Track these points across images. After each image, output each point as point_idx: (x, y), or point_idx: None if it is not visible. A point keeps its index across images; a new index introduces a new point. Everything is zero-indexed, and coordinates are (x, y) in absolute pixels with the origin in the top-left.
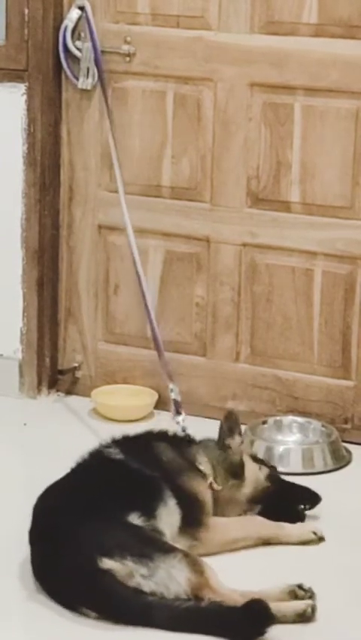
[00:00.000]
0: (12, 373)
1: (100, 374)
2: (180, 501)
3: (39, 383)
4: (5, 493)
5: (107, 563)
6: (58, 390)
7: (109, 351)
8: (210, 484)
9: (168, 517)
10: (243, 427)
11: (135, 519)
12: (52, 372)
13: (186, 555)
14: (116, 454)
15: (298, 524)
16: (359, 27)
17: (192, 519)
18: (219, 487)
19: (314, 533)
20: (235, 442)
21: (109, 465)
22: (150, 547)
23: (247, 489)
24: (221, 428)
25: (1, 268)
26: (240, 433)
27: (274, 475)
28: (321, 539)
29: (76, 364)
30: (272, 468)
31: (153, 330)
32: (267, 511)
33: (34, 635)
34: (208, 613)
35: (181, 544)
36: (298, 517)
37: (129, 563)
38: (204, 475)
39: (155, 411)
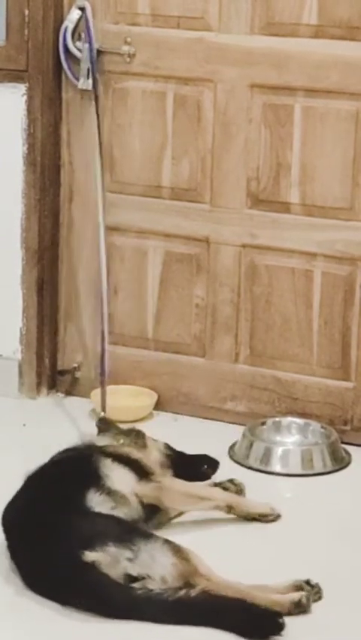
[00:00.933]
0: (11, 374)
1: (100, 375)
2: (122, 461)
3: (38, 383)
4: (4, 493)
5: (89, 556)
6: (57, 391)
7: (109, 351)
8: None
9: (121, 477)
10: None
11: (95, 497)
12: (51, 372)
13: (167, 541)
14: (52, 459)
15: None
16: (359, 28)
17: (144, 470)
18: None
19: (272, 509)
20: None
21: (51, 468)
22: (129, 532)
23: (153, 454)
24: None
25: (1, 268)
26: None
27: (170, 447)
28: (278, 517)
29: (75, 365)
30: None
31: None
32: (176, 476)
33: (24, 630)
34: (204, 605)
35: (146, 490)
36: (204, 477)
37: (112, 549)
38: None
39: (154, 412)
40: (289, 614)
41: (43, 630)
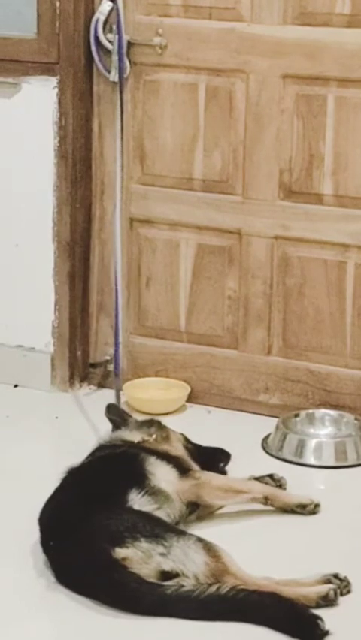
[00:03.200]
0: (44, 367)
1: (132, 367)
2: (165, 459)
3: (71, 376)
4: (37, 486)
5: (120, 553)
6: (89, 384)
7: (141, 344)
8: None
9: (165, 475)
10: (276, 420)
11: (137, 497)
12: (83, 365)
13: (199, 539)
14: (95, 455)
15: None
16: None
17: (184, 467)
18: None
19: (310, 499)
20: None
21: (94, 464)
22: (160, 528)
23: (179, 447)
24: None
25: (33, 262)
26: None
27: (188, 439)
28: (317, 506)
29: (107, 357)
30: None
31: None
32: None
33: (57, 624)
34: (233, 601)
35: (186, 487)
36: (221, 472)
37: (144, 544)
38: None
39: (187, 404)
40: (317, 607)
41: (73, 625)
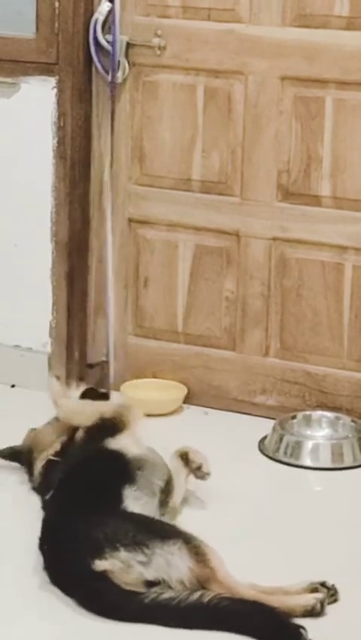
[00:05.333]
0: (41, 367)
1: (129, 368)
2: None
3: (68, 377)
4: None
5: (100, 565)
6: (87, 384)
7: (138, 344)
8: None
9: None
10: (272, 422)
11: (131, 492)
12: (81, 365)
13: (187, 541)
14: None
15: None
16: None
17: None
18: None
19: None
20: None
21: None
22: (144, 533)
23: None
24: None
25: (31, 262)
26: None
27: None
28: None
29: (105, 358)
30: None
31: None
32: None
33: (51, 624)
34: (215, 610)
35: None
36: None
37: (123, 554)
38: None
39: (184, 405)
40: (302, 617)
41: (67, 625)
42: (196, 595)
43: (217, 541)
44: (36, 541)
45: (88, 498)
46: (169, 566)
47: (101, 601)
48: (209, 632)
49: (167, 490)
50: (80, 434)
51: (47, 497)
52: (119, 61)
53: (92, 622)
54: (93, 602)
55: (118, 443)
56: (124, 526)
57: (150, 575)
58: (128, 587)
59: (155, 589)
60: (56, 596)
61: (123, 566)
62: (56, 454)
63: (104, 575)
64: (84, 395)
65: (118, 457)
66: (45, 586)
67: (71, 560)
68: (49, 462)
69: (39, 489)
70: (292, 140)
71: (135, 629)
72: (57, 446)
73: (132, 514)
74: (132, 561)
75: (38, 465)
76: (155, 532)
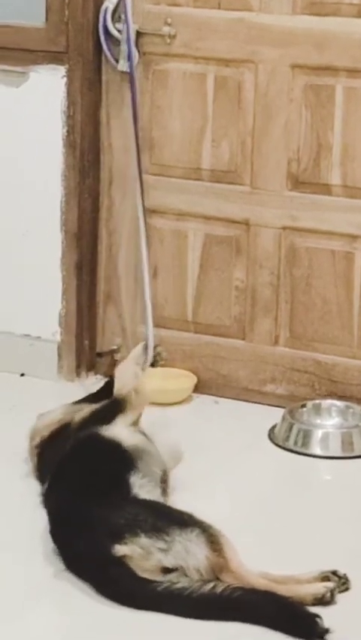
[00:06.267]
0: (51, 356)
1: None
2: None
3: (78, 366)
4: None
5: (120, 550)
6: (97, 373)
7: (144, 332)
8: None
9: (129, 435)
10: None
11: (137, 480)
12: (90, 355)
13: (204, 530)
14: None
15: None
16: None
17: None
18: None
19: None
20: None
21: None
22: (163, 520)
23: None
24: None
25: (41, 251)
26: None
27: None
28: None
29: (115, 347)
30: None
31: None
32: None
33: (63, 613)
34: (228, 600)
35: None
36: None
37: (143, 540)
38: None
39: (194, 394)
40: (313, 606)
41: (79, 614)
42: (209, 585)
43: (227, 529)
44: (46, 530)
45: (96, 485)
46: (187, 553)
47: (117, 587)
48: (222, 622)
49: (165, 480)
50: (77, 419)
51: (46, 484)
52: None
53: (107, 609)
54: (109, 587)
55: (112, 431)
56: (144, 512)
57: (169, 562)
58: (144, 574)
59: (169, 577)
60: (71, 584)
61: (143, 552)
62: (44, 441)
63: (122, 561)
64: (107, 386)
65: (115, 446)
66: (59, 574)
67: (89, 545)
68: (40, 449)
69: (36, 476)
70: (302, 128)
71: (150, 618)
72: (45, 434)
73: (150, 502)
74: (152, 548)
75: (33, 452)
76: (173, 519)
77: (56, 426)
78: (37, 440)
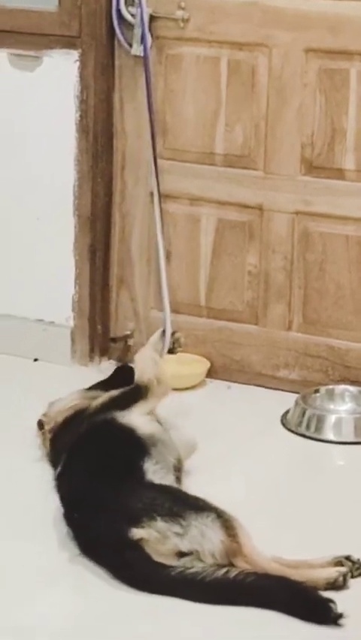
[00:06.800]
0: (64, 341)
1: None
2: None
3: (91, 351)
4: None
5: (136, 533)
6: (110, 358)
7: (161, 318)
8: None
9: (145, 423)
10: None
11: (150, 466)
12: (104, 339)
13: (219, 515)
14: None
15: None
16: None
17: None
18: None
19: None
20: None
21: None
22: (179, 505)
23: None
24: None
25: (54, 235)
26: None
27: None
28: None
29: (128, 332)
30: None
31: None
32: None
33: (77, 598)
34: (241, 585)
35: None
36: None
37: (160, 524)
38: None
39: (207, 379)
40: (325, 590)
41: (93, 599)
42: (223, 570)
43: (240, 514)
44: (60, 515)
45: (110, 468)
46: (203, 537)
47: (132, 570)
48: (236, 607)
49: (179, 469)
50: (94, 405)
51: (59, 467)
52: (141, 34)
53: (121, 594)
54: (125, 570)
55: (129, 418)
56: (161, 496)
57: (185, 546)
58: (159, 558)
59: (183, 560)
60: (86, 569)
61: (159, 536)
62: (58, 427)
63: (138, 544)
64: (118, 372)
65: (129, 432)
66: (74, 559)
67: (106, 527)
68: (53, 434)
69: (49, 460)
70: (316, 113)
71: (164, 602)
72: (59, 420)
73: (167, 486)
74: (168, 532)
75: (45, 437)
76: (189, 504)
77: (69, 412)
78: (51, 425)
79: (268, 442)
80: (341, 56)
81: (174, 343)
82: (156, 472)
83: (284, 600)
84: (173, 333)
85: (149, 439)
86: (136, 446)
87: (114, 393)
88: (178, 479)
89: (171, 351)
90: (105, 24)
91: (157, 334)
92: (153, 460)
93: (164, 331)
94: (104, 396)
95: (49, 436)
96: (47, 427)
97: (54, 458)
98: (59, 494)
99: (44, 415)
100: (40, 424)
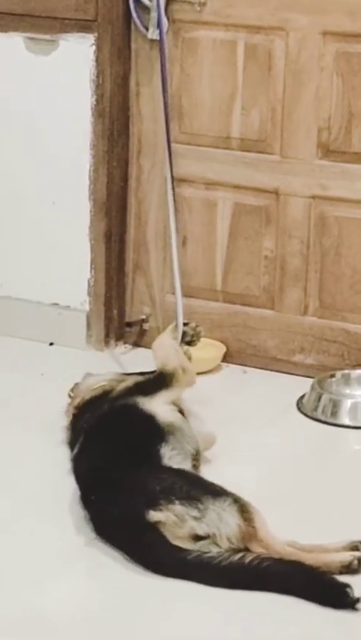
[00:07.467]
0: (80, 325)
1: (168, 326)
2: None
3: (106, 335)
4: None
5: (154, 516)
6: (125, 343)
7: (175, 303)
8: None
9: (166, 412)
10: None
11: (167, 451)
12: (119, 324)
13: (236, 500)
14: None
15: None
16: None
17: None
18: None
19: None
20: None
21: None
22: (197, 489)
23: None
24: None
25: (69, 220)
26: None
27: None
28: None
29: (143, 316)
30: None
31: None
32: None
33: (93, 581)
34: (256, 570)
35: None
36: None
37: (177, 507)
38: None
39: (223, 364)
40: (340, 574)
41: (109, 582)
42: (238, 555)
43: (256, 498)
44: (76, 497)
45: (127, 451)
46: (220, 521)
47: (149, 553)
48: (251, 592)
49: (197, 459)
50: (119, 388)
51: (76, 449)
52: (158, 18)
53: (138, 577)
54: (141, 553)
55: (150, 405)
56: (179, 480)
57: (202, 530)
58: (176, 541)
59: (199, 544)
60: (102, 552)
61: (177, 520)
62: (83, 403)
63: (155, 527)
64: None
65: (148, 419)
66: (91, 542)
67: (124, 509)
68: (77, 410)
69: (67, 437)
70: (333, 96)
71: (180, 586)
72: (86, 397)
73: (184, 471)
74: (186, 515)
75: (70, 412)
76: (206, 488)
77: (97, 392)
78: (78, 401)
79: (283, 427)
80: (359, 39)
81: (193, 336)
82: (172, 458)
83: (300, 585)
84: (195, 327)
85: (168, 426)
86: (155, 432)
87: (140, 378)
88: (195, 467)
89: (189, 343)
90: (121, 8)
91: (173, 325)
92: (170, 446)
93: (180, 319)
94: (128, 381)
95: (72, 410)
96: (73, 402)
97: (72, 438)
98: (75, 475)
99: (75, 387)
100: (69, 395)
